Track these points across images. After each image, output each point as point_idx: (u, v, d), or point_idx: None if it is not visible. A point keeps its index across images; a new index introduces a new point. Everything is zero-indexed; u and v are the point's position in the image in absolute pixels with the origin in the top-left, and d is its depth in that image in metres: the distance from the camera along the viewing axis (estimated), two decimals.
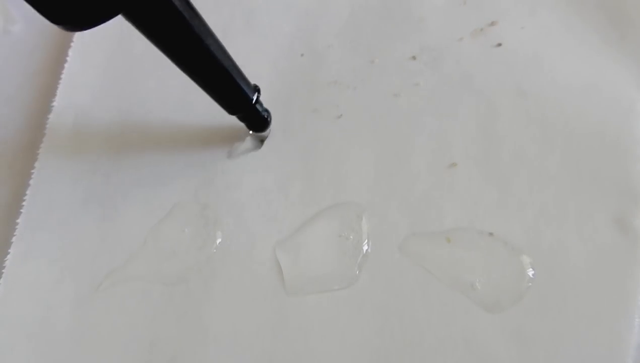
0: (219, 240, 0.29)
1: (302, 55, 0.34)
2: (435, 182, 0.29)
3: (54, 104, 0.34)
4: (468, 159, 0.29)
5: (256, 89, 0.28)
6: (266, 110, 0.30)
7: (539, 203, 0.27)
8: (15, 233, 0.30)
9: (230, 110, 0.28)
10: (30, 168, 0.32)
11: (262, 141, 0.31)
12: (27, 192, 0.31)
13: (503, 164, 0.29)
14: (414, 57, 0.32)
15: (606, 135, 0.28)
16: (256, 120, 0.30)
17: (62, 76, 0.35)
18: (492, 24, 0.32)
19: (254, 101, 0.28)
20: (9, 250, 0.30)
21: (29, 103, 0.35)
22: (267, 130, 0.31)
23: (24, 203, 0.31)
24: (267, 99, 0.32)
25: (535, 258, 0.26)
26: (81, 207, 0.31)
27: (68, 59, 0.35)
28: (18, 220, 0.30)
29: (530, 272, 0.26)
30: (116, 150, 0.32)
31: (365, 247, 0.28)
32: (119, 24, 0.36)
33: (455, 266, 0.27)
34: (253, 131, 0.31)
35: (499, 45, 0.31)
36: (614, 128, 0.28)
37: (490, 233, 0.27)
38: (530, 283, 0.26)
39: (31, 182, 0.31)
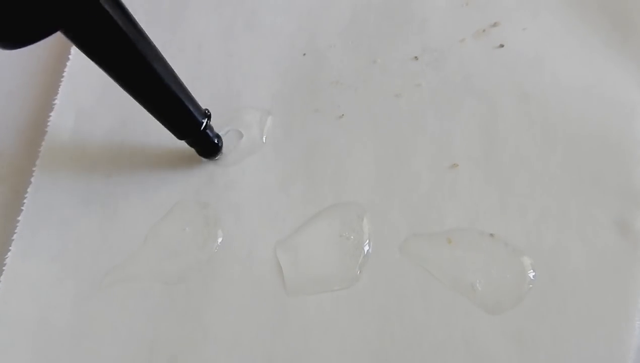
0: (219, 240, 0.29)
1: (304, 55, 0.34)
2: (436, 182, 0.29)
3: (56, 102, 0.34)
4: (469, 159, 0.29)
5: (206, 114, 0.28)
6: (217, 136, 0.30)
7: (540, 204, 0.27)
8: (15, 232, 0.30)
9: (178, 134, 0.28)
10: (31, 166, 0.32)
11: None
12: (28, 190, 0.31)
13: (504, 165, 0.29)
14: (415, 58, 0.32)
15: (608, 138, 0.28)
16: (206, 146, 0.29)
17: (64, 75, 0.35)
18: (495, 25, 0.32)
19: (203, 126, 0.28)
20: (10, 249, 0.30)
21: (30, 101, 0.35)
22: (219, 156, 0.31)
23: (24, 201, 0.31)
24: (268, 99, 0.32)
25: (536, 260, 0.26)
26: (82, 206, 0.30)
27: (70, 57, 0.35)
28: (19, 219, 0.30)
29: (531, 274, 0.26)
30: (117, 148, 0.32)
31: (366, 248, 0.28)
32: None
33: (456, 267, 0.27)
34: (204, 157, 0.30)
35: (501, 46, 0.31)
36: (615, 130, 0.28)
37: (491, 235, 0.27)
38: (530, 285, 0.26)
39: (32, 180, 0.31)
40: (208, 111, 0.28)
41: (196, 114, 0.27)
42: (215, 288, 0.28)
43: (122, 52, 0.22)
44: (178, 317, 0.27)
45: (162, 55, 0.24)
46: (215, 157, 0.31)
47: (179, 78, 0.25)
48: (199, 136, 0.28)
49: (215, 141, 0.30)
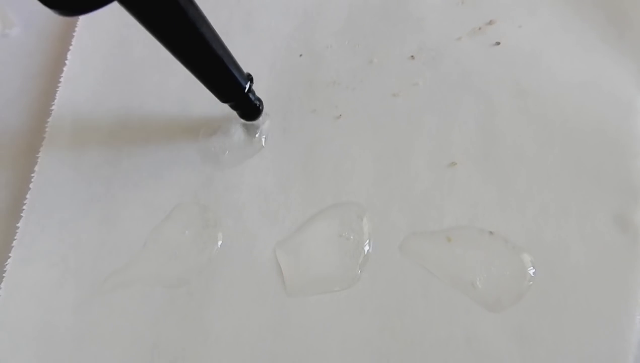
0: (219, 242, 0.29)
1: (300, 55, 0.34)
2: (435, 181, 0.29)
3: (54, 107, 0.34)
4: (468, 157, 0.29)
5: (249, 78, 0.29)
6: (258, 99, 0.30)
7: (539, 201, 0.27)
8: (15, 237, 0.30)
9: (223, 98, 0.28)
10: (30, 171, 0.32)
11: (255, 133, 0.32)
12: (28, 196, 0.31)
13: (503, 162, 0.29)
14: (412, 57, 0.32)
15: (605, 133, 0.28)
16: (248, 108, 0.30)
17: (61, 79, 0.35)
18: (490, 22, 0.32)
19: (246, 90, 0.28)
20: (10, 254, 0.30)
21: (28, 106, 0.35)
22: (260, 119, 0.31)
23: (24, 206, 0.31)
24: (266, 100, 0.32)
25: (535, 257, 0.26)
26: (81, 210, 0.30)
27: (67, 62, 0.35)
28: (19, 224, 0.30)
29: (531, 270, 0.26)
30: (116, 152, 0.32)
31: (366, 248, 0.28)
32: (118, 25, 0.36)
33: (456, 265, 0.27)
34: (245, 120, 0.31)
35: (498, 44, 0.31)
36: (613, 125, 0.28)
37: (491, 232, 0.27)
38: (531, 282, 0.26)
39: (31, 185, 0.31)
40: (250, 75, 0.29)
41: (239, 78, 0.28)
42: (216, 290, 0.28)
43: (175, 19, 0.22)
44: (179, 320, 0.27)
45: (209, 22, 0.24)
46: (256, 119, 0.31)
47: (224, 44, 0.26)
48: (242, 99, 0.29)
49: (257, 104, 0.30)
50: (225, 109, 0.33)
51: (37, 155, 0.32)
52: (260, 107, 0.31)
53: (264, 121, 0.32)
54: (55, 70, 0.35)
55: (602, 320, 0.25)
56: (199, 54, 0.25)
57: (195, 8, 0.23)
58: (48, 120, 0.33)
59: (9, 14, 0.37)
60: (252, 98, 0.30)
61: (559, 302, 0.25)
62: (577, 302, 0.25)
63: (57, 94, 0.34)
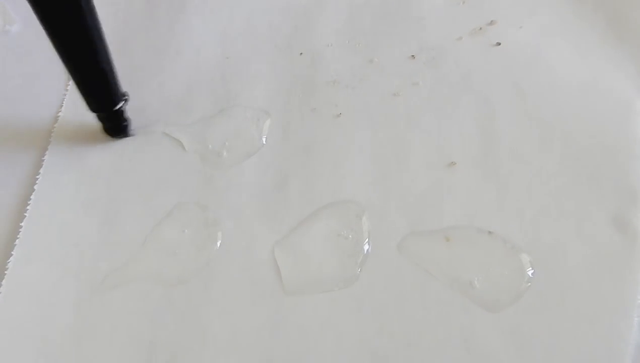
0: (218, 241, 0.29)
1: (301, 54, 0.34)
2: (434, 181, 0.29)
3: (60, 113, 0.34)
4: (467, 158, 0.29)
5: (124, 97, 0.30)
6: (127, 120, 0.31)
7: (538, 202, 0.27)
8: (18, 236, 0.30)
9: (92, 106, 0.29)
10: (33, 171, 0.32)
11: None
12: (32, 196, 0.31)
13: (502, 163, 0.29)
14: (413, 57, 0.32)
15: (604, 135, 0.28)
16: (114, 125, 0.31)
17: (69, 83, 0.34)
18: (491, 23, 0.32)
19: (118, 106, 0.29)
20: (12, 253, 0.30)
21: (33, 107, 0.35)
22: (126, 137, 0.32)
23: (27, 206, 0.31)
24: (266, 98, 0.32)
25: (534, 257, 0.26)
26: (83, 209, 0.31)
27: None
28: (21, 223, 0.30)
29: (529, 271, 0.26)
30: (118, 152, 0.32)
31: (365, 247, 0.28)
32: (119, 25, 0.36)
33: (454, 265, 0.27)
34: (108, 133, 0.32)
35: (498, 44, 0.31)
36: (612, 127, 0.28)
37: (489, 232, 0.27)
38: (529, 282, 0.26)
39: (35, 187, 0.31)
40: (126, 95, 0.30)
41: (114, 93, 0.29)
42: (215, 289, 0.28)
43: (73, 24, 0.24)
44: (177, 318, 0.27)
45: (102, 31, 0.25)
46: (117, 136, 0.32)
47: (110, 56, 0.27)
48: (110, 114, 0.30)
49: (124, 124, 0.31)
50: (227, 108, 0.33)
51: (41, 155, 0.32)
52: (127, 130, 0.32)
53: (264, 120, 0.32)
54: (57, 68, 0.35)
55: (600, 321, 0.25)
56: (85, 59, 0.26)
57: (94, 19, 0.24)
58: (55, 125, 0.33)
59: (9, 10, 0.37)
60: (121, 116, 0.31)
61: (557, 303, 0.25)
62: (575, 303, 0.25)
63: (64, 99, 0.34)
